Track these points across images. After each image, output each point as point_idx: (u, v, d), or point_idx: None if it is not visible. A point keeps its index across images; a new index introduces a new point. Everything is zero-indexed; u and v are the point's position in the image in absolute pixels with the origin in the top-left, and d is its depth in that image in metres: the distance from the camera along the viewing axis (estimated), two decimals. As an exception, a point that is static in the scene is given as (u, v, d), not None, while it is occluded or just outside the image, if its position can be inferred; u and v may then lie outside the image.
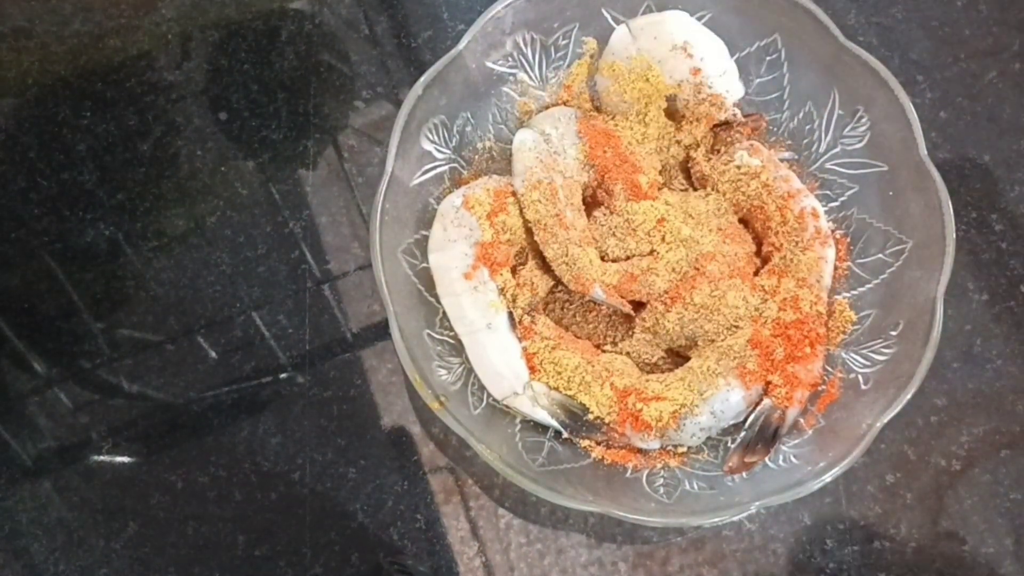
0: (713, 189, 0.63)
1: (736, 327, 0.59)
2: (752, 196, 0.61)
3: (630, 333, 0.62)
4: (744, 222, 0.63)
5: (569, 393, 0.58)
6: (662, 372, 0.61)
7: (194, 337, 0.67)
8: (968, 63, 0.73)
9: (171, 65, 0.74)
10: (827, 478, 0.52)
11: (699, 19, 0.63)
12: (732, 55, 0.63)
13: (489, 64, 0.63)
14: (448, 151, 0.62)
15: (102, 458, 0.65)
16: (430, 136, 0.61)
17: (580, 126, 0.62)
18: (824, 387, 0.58)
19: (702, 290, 0.59)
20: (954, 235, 0.55)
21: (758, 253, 0.63)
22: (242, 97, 0.73)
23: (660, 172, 0.63)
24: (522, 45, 0.63)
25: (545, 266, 0.62)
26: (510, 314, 0.59)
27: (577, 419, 0.58)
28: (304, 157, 0.71)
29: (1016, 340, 0.66)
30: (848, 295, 0.60)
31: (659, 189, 0.63)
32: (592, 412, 0.57)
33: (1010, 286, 0.67)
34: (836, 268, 0.61)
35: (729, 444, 0.58)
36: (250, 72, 0.73)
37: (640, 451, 0.58)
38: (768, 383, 0.57)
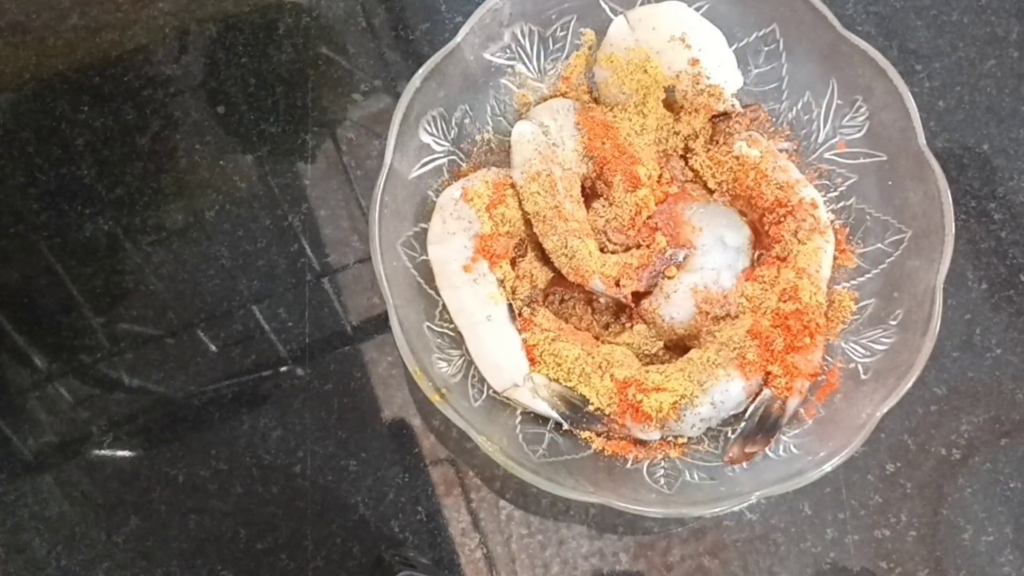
0: (712, 180, 0.63)
1: (736, 318, 0.59)
2: (751, 187, 0.61)
3: (630, 325, 0.62)
4: (743, 213, 0.63)
5: (569, 385, 0.58)
6: (662, 363, 0.61)
7: (194, 331, 0.67)
8: (966, 52, 0.73)
9: (168, 59, 0.74)
10: (827, 468, 0.52)
11: (697, 9, 0.63)
12: (730, 45, 0.63)
13: (487, 56, 0.62)
14: (447, 143, 0.62)
15: (103, 452, 0.65)
16: (428, 129, 0.61)
17: (579, 118, 0.62)
18: (824, 377, 0.58)
19: (702, 281, 0.59)
20: (953, 224, 0.55)
21: (757, 243, 0.63)
22: (240, 91, 0.73)
23: (658, 163, 0.63)
24: (520, 37, 0.63)
25: (544, 258, 0.62)
26: (510, 306, 0.59)
27: (577, 410, 0.58)
28: (303, 150, 0.71)
29: (1016, 329, 0.66)
30: (847, 285, 0.60)
31: (658, 180, 0.63)
32: (592, 403, 0.57)
33: (1009, 275, 0.67)
34: (835, 258, 0.61)
35: (729, 434, 0.58)
36: (248, 65, 0.73)
37: (640, 442, 0.59)
38: (768, 373, 0.57)
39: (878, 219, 0.60)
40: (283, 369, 0.66)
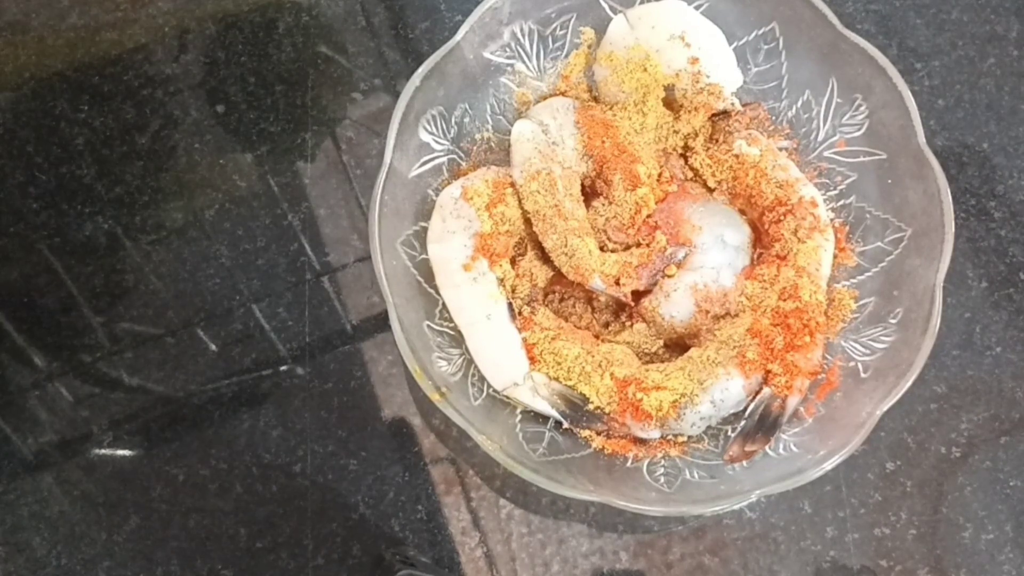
0: (712, 178, 0.63)
1: (735, 316, 0.59)
2: (751, 185, 0.61)
3: (629, 323, 0.62)
4: (743, 211, 0.63)
5: (569, 383, 0.58)
6: (662, 362, 0.61)
7: (194, 330, 0.67)
8: (966, 50, 0.73)
9: (168, 58, 0.74)
10: (827, 466, 0.52)
11: (697, 8, 0.63)
12: (730, 44, 0.63)
13: (487, 55, 0.62)
14: (446, 142, 0.62)
15: (103, 451, 0.65)
16: (428, 127, 0.61)
17: (578, 116, 0.62)
18: (824, 375, 0.58)
19: (701, 279, 0.59)
20: (953, 223, 0.55)
21: (757, 242, 0.63)
22: (239, 90, 0.73)
23: (658, 162, 0.63)
24: (519, 35, 0.63)
25: (544, 257, 0.62)
26: (510, 305, 0.59)
27: (577, 409, 0.58)
28: (302, 149, 0.71)
29: (1016, 327, 0.66)
30: (847, 283, 0.60)
31: (657, 179, 0.63)
32: (592, 402, 0.57)
33: (1009, 273, 0.67)
34: (835, 256, 0.61)
35: (729, 433, 0.58)
36: (247, 64, 0.73)
37: (640, 441, 0.59)
38: (768, 372, 0.57)
39: (878, 217, 0.60)
40: (283, 368, 0.66)
